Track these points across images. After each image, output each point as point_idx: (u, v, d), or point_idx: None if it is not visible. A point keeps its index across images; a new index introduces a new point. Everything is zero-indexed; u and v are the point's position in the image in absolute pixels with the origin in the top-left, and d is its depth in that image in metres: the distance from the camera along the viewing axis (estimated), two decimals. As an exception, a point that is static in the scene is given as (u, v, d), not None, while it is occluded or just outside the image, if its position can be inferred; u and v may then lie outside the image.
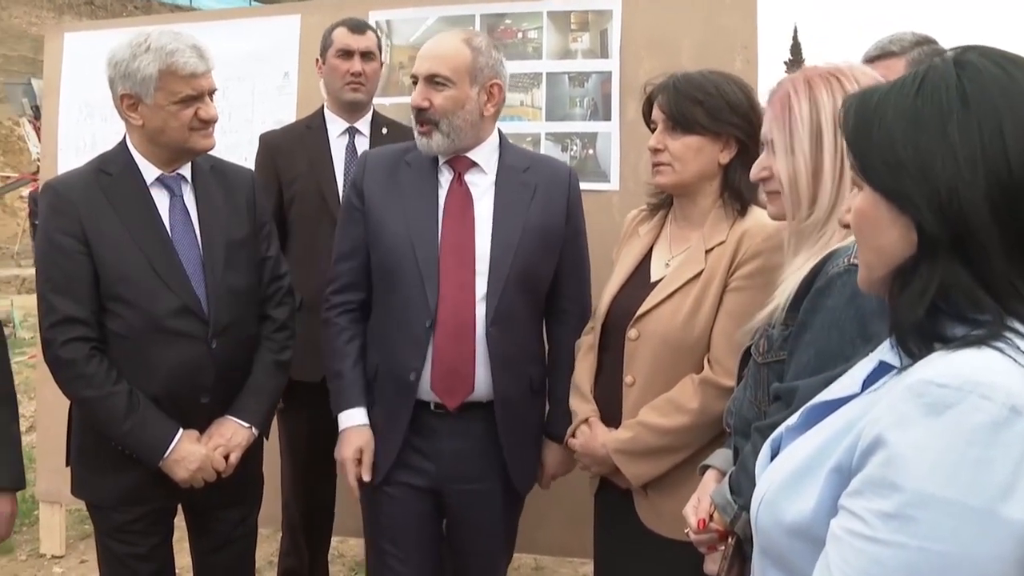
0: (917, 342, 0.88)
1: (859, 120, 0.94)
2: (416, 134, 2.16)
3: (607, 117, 3.03)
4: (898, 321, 0.90)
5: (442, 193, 2.20)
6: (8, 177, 18.08)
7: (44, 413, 3.69)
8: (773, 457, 1.08)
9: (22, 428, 2.21)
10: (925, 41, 2.68)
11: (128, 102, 2.06)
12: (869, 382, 0.97)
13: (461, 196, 2.19)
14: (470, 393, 2.16)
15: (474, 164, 2.21)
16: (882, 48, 2.66)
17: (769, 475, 1.02)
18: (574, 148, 3.08)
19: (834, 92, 1.51)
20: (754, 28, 2.92)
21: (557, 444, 2.27)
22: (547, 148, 3.07)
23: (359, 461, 2.19)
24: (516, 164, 2.25)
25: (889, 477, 0.81)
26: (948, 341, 0.86)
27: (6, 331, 2.12)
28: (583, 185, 2.97)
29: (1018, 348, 0.82)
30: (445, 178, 2.21)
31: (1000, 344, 0.82)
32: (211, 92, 2.09)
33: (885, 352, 0.96)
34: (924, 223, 0.87)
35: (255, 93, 3.39)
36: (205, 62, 2.05)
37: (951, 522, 0.77)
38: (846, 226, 1.04)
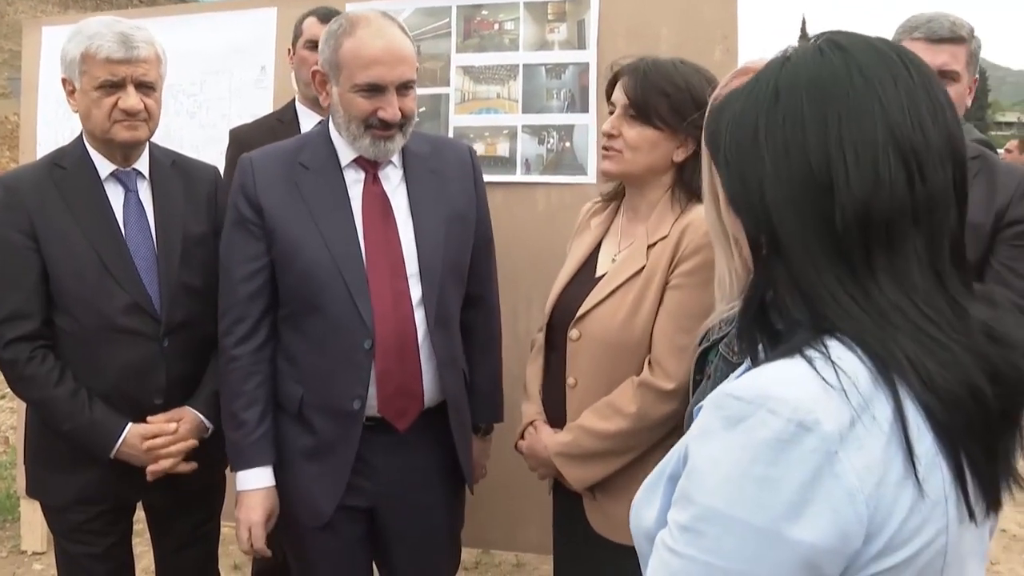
0: (749, 345, 0.86)
1: (713, 117, 0.91)
2: (371, 140, 1.92)
3: (584, 109, 2.97)
4: (738, 323, 0.88)
5: (354, 196, 1.97)
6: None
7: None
8: None
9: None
10: None
11: (68, 87, 2.04)
12: None
13: (379, 199, 1.99)
14: (421, 409, 2.00)
15: (387, 160, 2.01)
16: (952, 31, 2.23)
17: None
18: (551, 140, 3.02)
19: None
20: (734, 18, 2.85)
21: (477, 436, 2.23)
22: (524, 140, 3.03)
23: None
24: (419, 151, 2.05)
25: (688, 490, 0.80)
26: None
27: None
28: (560, 178, 3.00)
29: (830, 360, 0.77)
30: (354, 178, 1.99)
31: (812, 354, 0.78)
32: (142, 83, 2.00)
33: None
34: (745, 225, 0.86)
35: (232, 87, 3.35)
36: (128, 49, 1.96)
37: (733, 540, 0.76)
38: None
